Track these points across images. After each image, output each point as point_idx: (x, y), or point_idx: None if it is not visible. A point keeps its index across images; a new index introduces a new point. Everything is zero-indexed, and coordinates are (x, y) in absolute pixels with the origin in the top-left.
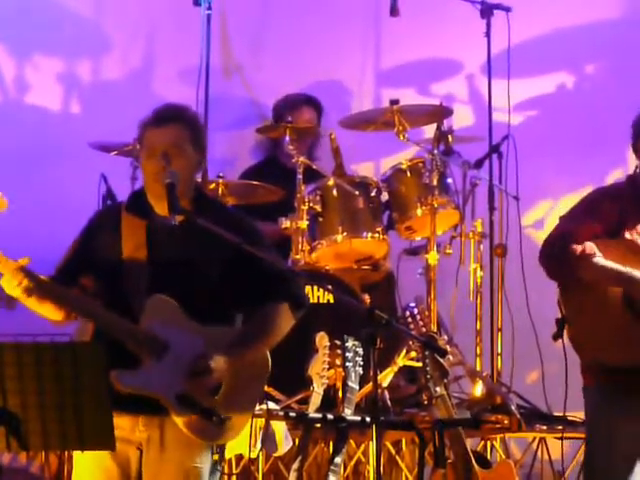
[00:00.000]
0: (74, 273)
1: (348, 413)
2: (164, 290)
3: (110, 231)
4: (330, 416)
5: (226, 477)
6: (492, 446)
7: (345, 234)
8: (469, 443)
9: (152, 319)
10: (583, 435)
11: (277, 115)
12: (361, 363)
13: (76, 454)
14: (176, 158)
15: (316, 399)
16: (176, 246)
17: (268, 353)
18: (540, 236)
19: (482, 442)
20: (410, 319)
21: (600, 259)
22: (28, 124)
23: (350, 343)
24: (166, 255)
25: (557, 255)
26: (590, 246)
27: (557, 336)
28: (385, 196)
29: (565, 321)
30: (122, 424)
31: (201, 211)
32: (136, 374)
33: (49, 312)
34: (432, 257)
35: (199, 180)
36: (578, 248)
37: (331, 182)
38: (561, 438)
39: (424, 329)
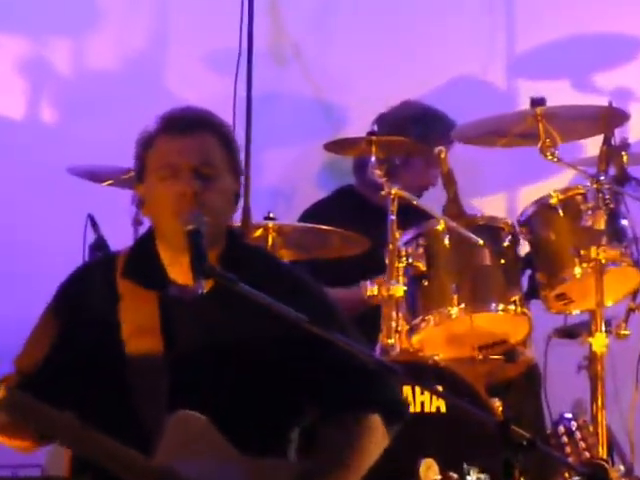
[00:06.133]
0: (52, 382)
1: None
2: (190, 399)
3: (99, 308)
4: None
5: None
6: None
7: (463, 306)
8: None
9: (173, 449)
10: None
11: (421, 134)
12: None
13: None
14: (211, 182)
15: None
16: (205, 330)
17: None
18: None
19: None
20: (565, 437)
21: None
22: None
23: (474, 476)
24: (191, 344)
25: None
26: None
27: None
28: (525, 247)
29: None
30: None
31: (238, 270)
32: None
33: (13, 438)
34: (598, 341)
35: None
36: None
37: (441, 226)
38: None
39: (587, 453)
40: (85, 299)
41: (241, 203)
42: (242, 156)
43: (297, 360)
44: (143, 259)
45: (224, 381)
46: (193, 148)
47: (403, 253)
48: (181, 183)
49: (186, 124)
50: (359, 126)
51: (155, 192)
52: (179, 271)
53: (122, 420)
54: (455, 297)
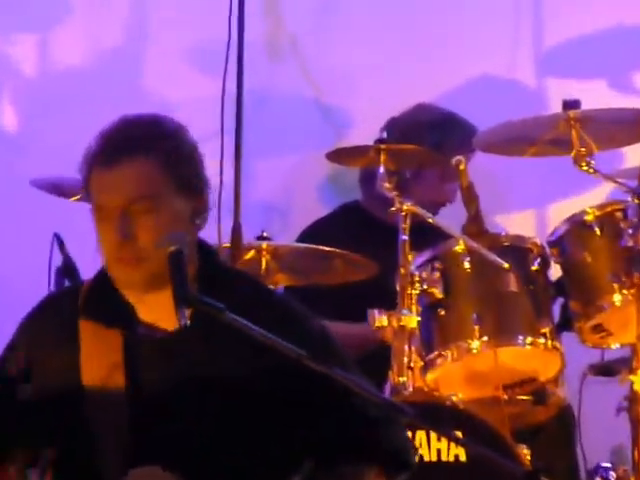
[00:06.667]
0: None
1: None
2: (158, 450)
3: (59, 347)
4: None
5: None
6: None
7: (486, 338)
8: None
9: None
10: None
11: (437, 142)
12: None
13: None
14: (148, 217)
15: None
16: (179, 369)
17: None
18: None
19: None
20: None
21: None
22: None
23: None
24: (160, 384)
25: None
26: None
27: None
28: (556, 271)
29: None
30: None
31: (217, 293)
32: None
33: None
34: None
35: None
36: None
37: (460, 247)
38: None
39: None
40: (45, 337)
41: (230, 220)
42: (232, 164)
43: (288, 402)
44: (104, 295)
45: (196, 429)
46: (122, 183)
47: (417, 278)
48: (112, 228)
49: (117, 151)
50: (365, 132)
51: (97, 234)
52: (146, 309)
53: (73, 472)
54: (476, 329)
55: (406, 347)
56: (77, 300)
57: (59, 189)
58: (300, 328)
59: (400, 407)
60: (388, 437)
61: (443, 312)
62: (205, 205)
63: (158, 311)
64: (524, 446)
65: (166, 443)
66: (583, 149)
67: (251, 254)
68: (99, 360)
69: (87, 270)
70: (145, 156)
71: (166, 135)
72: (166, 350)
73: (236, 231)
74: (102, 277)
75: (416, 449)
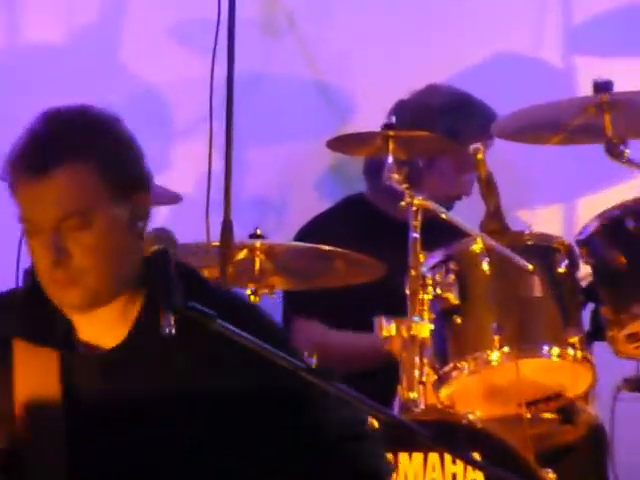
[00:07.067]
0: None
1: None
2: (104, 464)
3: None
4: None
5: None
6: None
7: (506, 349)
8: None
9: None
10: None
11: (451, 128)
12: None
13: None
14: (83, 232)
15: None
16: (126, 386)
17: None
18: None
19: None
20: None
21: None
22: None
23: None
24: (103, 398)
25: None
26: None
27: None
28: (587, 274)
29: None
30: None
31: None
32: None
33: None
34: None
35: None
36: None
37: (478, 246)
38: None
39: None
40: None
41: (219, 216)
42: (222, 153)
43: (264, 421)
44: (39, 310)
45: (150, 453)
46: (53, 197)
47: (429, 281)
48: (43, 246)
49: (45, 157)
50: (371, 117)
51: (27, 246)
52: (86, 326)
53: None
54: (496, 338)
55: (417, 359)
56: (6, 322)
57: None
58: (269, 339)
59: (410, 426)
60: (363, 455)
61: (459, 319)
62: (146, 205)
63: (99, 327)
64: (550, 470)
65: (112, 456)
66: (616, 136)
67: (243, 254)
68: (34, 377)
69: None
70: (78, 162)
71: (99, 133)
72: (109, 365)
73: (226, 228)
74: (37, 289)
75: (394, 468)
